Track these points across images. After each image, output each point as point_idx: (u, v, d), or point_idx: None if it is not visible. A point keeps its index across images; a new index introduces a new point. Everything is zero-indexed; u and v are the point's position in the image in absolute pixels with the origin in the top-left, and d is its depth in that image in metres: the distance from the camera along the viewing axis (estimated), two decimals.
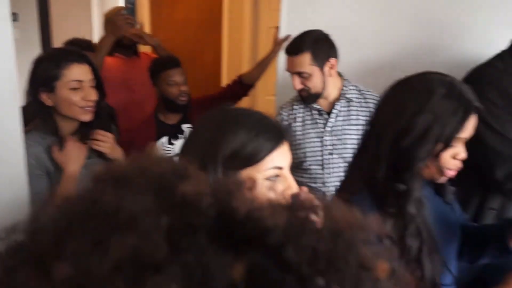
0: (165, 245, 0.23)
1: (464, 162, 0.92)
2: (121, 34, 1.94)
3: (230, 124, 0.77)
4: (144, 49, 2.48)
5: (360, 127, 1.50)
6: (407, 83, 0.94)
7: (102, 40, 1.92)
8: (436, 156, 0.88)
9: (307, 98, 1.55)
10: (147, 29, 3.76)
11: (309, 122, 1.59)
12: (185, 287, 0.22)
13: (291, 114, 1.61)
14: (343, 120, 1.56)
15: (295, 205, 0.27)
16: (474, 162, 1.24)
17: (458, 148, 0.89)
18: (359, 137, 1.06)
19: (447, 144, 0.87)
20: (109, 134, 1.35)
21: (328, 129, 1.56)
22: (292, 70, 1.53)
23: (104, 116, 1.42)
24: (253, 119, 0.78)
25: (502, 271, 0.92)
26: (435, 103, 0.86)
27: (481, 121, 1.23)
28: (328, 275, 0.22)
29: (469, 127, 0.88)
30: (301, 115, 1.61)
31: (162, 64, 1.91)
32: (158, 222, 0.24)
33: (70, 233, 0.25)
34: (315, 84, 1.52)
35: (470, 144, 1.19)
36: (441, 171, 0.90)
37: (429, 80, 0.91)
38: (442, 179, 0.93)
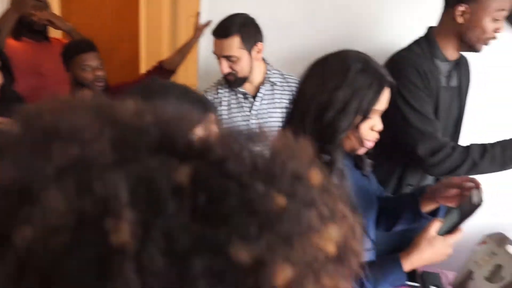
0: (110, 151, 0.23)
1: (389, 140, 0.99)
2: (25, 11, 1.77)
3: (153, 97, 0.74)
4: (55, 34, 2.30)
5: (284, 110, 1.54)
6: (326, 61, 0.98)
7: (3, 17, 1.75)
8: (356, 127, 0.93)
9: (233, 82, 1.56)
10: (56, 13, 3.49)
11: (234, 106, 1.60)
12: (132, 189, 0.22)
13: (216, 98, 1.61)
14: (268, 104, 1.59)
15: (233, 132, 0.28)
16: (398, 140, 1.35)
17: (375, 120, 0.96)
18: (284, 119, 1.08)
19: (365, 116, 0.93)
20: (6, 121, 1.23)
21: (254, 112, 1.58)
22: (221, 53, 1.52)
23: (11, 102, 1.30)
24: (177, 92, 0.76)
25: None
26: (353, 78, 0.92)
27: (404, 101, 1.33)
28: (267, 182, 0.24)
29: (384, 100, 0.95)
30: (226, 99, 1.60)
31: (76, 48, 1.79)
32: (100, 133, 0.24)
33: (6, 148, 0.24)
34: (242, 68, 1.52)
35: (394, 123, 1.29)
36: (361, 142, 0.96)
37: (346, 57, 0.96)
38: (362, 150, 0.99)
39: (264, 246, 0.23)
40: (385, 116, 0.99)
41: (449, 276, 1.42)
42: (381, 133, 0.99)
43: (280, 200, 0.24)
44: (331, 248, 0.25)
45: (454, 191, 1.01)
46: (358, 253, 0.28)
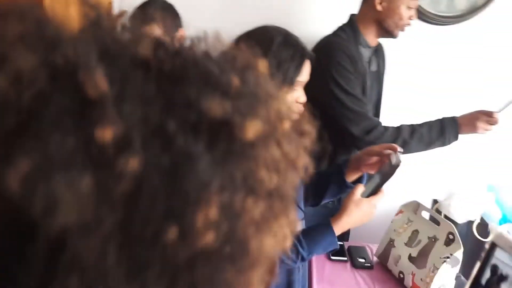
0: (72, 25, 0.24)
1: (320, 121, 1.02)
2: None
3: None
4: None
5: None
6: (247, 36, 1.00)
7: None
8: None
9: None
10: None
11: None
12: (99, 57, 0.23)
13: None
14: None
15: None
16: (331, 121, 1.40)
17: (299, 92, 0.99)
18: None
19: (290, 87, 0.95)
20: None
21: None
22: None
23: None
24: None
25: None
26: (276, 50, 0.94)
27: (336, 84, 1.38)
28: (221, 68, 0.27)
29: (306, 71, 0.98)
30: None
31: None
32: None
33: None
34: None
35: (327, 105, 1.33)
36: None
37: (267, 31, 0.99)
38: None
39: (232, 105, 0.25)
40: (317, 99, 1.03)
41: (373, 248, 1.50)
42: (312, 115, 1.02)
43: (235, 80, 0.27)
44: (288, 115, 0.29)
45: (375, 159, 1.07)
46: (310, 133, 0.32)
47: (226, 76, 0.26)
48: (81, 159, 0.21)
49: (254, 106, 0.26)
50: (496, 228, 1.15)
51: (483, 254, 0.56)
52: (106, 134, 0.21)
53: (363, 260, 1.41)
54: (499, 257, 0.54)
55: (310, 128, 0.32)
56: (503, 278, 0.52)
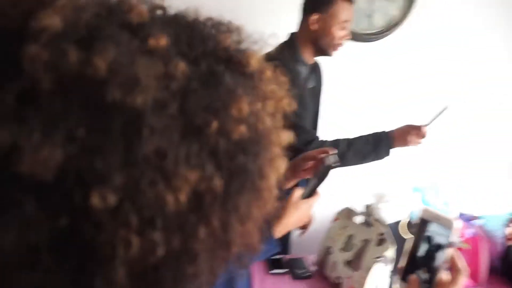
0: None
1: None
2: None
3: None
4: None
5: None
6: None
7: None
8: None
9: None
10: None
11: None
12: None
13: None
14: None
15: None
16: None
17: None
18: None
19: None
20: None
21: None
22: None
23: None
24: None
25: None
26: None
27: None
28: (210, 25, 0.35)
29: None
30: None
31: None
32: None
33: None
34: None
35: None
36: None
37: None
38: None
39: (235, 43, 0.34)
40: None
41: (311, 258, 1.52)
42: None
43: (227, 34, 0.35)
44: (267, 64, 0.37)
45: (311, 163, 1.10)
46: (285, 83, 0.40)
47: (220, 29, 0.34)
48: (148, 53, 0.28)
49: (250, 47, 0.35)
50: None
51: (414, 230, 0.60)
52: (160, 41, 0.28)
53: (302, 271, 1.43)
54: (432, 229, 0.58)
55: (284, 79, 0.40)
56: (438, 246, 0.56)
